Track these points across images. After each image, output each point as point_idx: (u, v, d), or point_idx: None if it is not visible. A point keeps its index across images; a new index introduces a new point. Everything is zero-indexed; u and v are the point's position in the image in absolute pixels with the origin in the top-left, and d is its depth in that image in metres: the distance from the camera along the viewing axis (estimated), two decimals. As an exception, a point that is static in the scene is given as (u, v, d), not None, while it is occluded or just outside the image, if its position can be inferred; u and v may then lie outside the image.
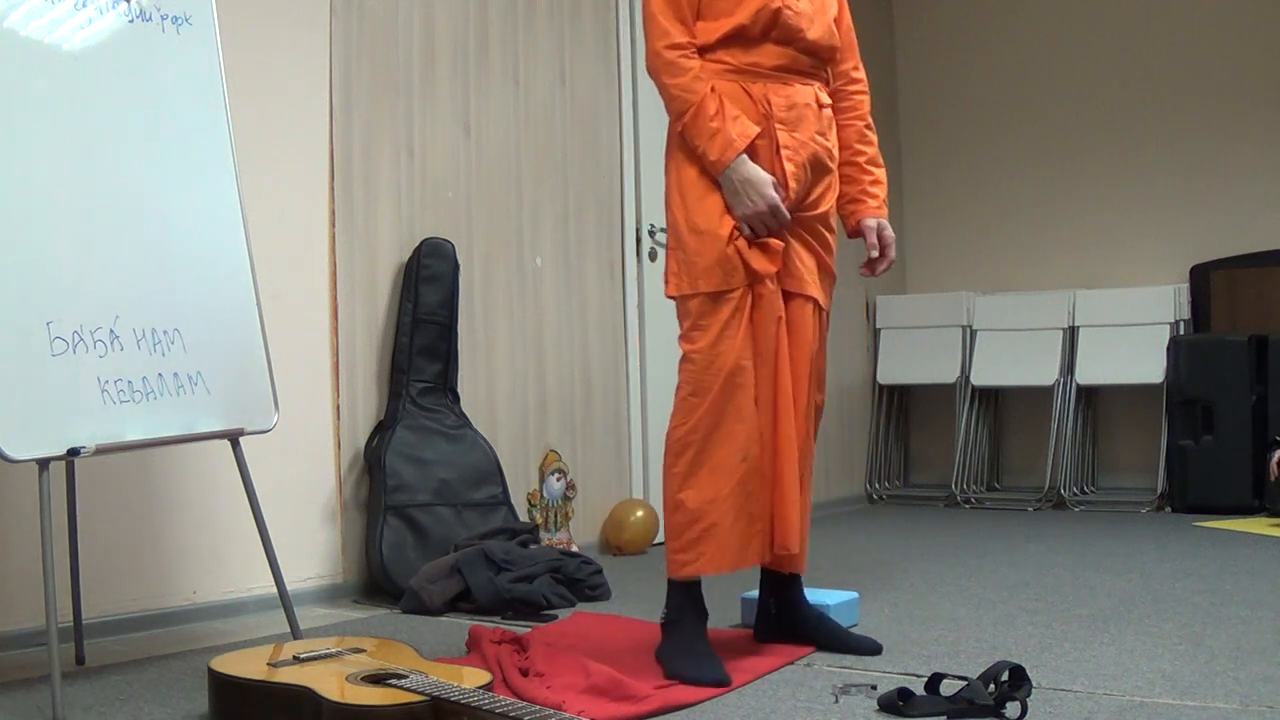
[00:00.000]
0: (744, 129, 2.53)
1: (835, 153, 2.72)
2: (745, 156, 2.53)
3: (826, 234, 2.70)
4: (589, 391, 4.47)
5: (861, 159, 2.78)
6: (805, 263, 2.64)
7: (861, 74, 2.84)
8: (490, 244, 4.12)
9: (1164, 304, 5.48)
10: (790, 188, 2.57)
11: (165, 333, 2.64)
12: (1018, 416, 6.02)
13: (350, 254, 3.70)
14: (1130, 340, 5.48)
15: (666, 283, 2.62)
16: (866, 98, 2.84)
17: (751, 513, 2.52)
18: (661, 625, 2.60)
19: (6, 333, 2.34)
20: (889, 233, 2.78)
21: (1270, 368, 5.09)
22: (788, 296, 2.60)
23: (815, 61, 2.67)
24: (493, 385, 4.10)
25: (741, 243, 2.53)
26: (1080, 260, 5.89)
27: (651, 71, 2.62)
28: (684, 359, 2.58)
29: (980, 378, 5.79)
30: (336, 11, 3.68)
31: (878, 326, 6.14)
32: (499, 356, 4.13)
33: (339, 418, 3.64)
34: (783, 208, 2.53)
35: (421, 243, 3.83)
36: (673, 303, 2.62)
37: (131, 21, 2.70)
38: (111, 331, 2.53)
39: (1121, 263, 5.79)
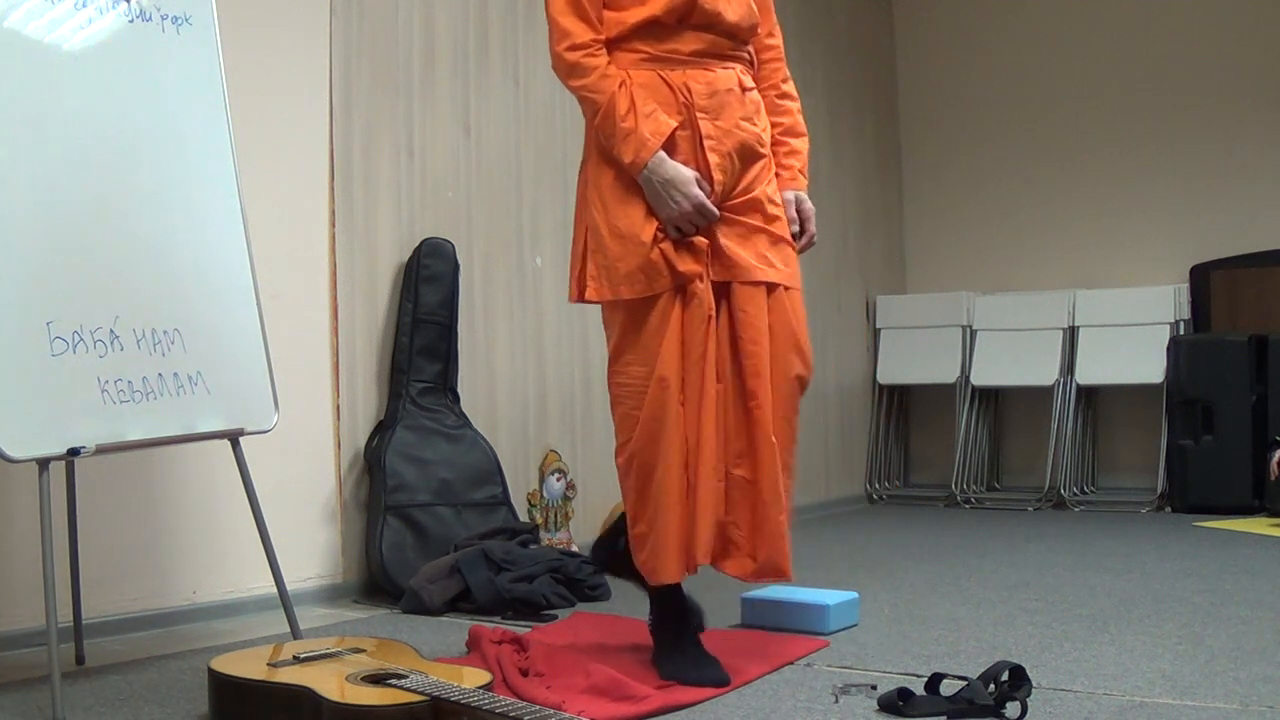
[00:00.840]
0: (658, 126, 2.40)
1: (765, 136, 2.58)
2: (663, 155, 2.39)
3: (770, 210, 2.53)
4: (589, 391, 4.47)
5: (776, 130, 2.65)
6: (751, 248, 2.48)
7: (776, 39, 2.70)
8: (490, 244, 4.12)
9: (1164, 304, 5.47)
10: (716, 180, 2.44)
11: (165, 333, 2.63)
12: (1018, 416, 6.01)
13: (350, 254, 3.70)
14: (1130, 340, 5.48)
15: (584, 286, 2.47)
16: (781, 64, 2.70)
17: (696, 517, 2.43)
18: (650, 631, 2.58)
19: (6, 333, 2.34)
20: (808, 205, 2.63)
21: (1270, 368, 5.08)
22: (730, 287, 2.47)
23: (735, 43, 2.52)
24: (493, 385, 4.09)
25: (666, 245, 2.40)
26: (1080, 260, 5.88)
27: (557, 75, 2.52)
28: (614, 372, 2.49)
29: (980, 378, 5.79)
30: (336, 11, 3.68)
31: (878, 326, 6.13)
32: (499, 356, 4.13)
33: (339, 418, 3.63)
34: (709, 204, 2.40)
35: (421, 243, 3.83)
36: None
37: (131, 21, 2.70)
38: (111, 331, 2.52)
39: (1121, 263, 5.79)
